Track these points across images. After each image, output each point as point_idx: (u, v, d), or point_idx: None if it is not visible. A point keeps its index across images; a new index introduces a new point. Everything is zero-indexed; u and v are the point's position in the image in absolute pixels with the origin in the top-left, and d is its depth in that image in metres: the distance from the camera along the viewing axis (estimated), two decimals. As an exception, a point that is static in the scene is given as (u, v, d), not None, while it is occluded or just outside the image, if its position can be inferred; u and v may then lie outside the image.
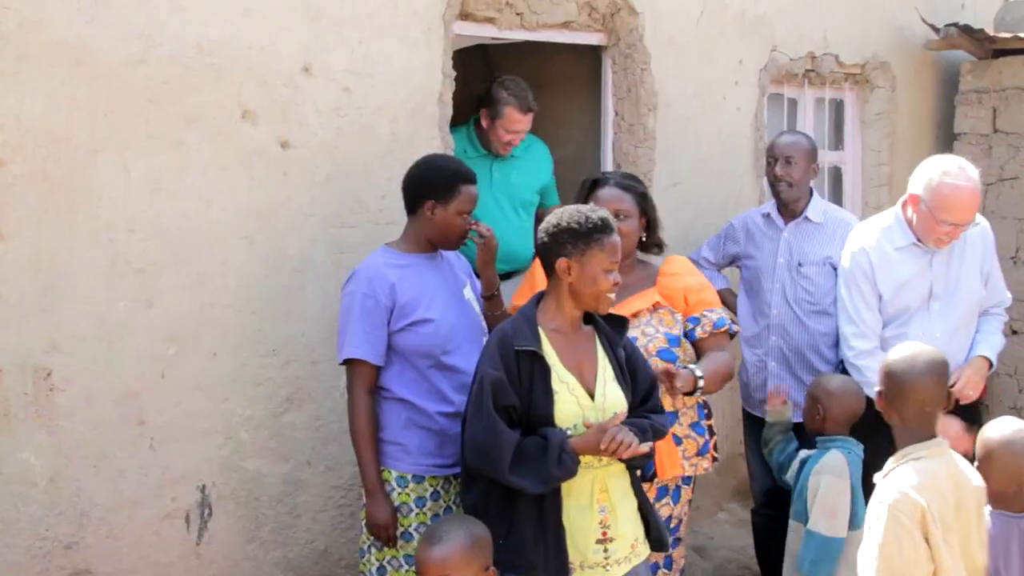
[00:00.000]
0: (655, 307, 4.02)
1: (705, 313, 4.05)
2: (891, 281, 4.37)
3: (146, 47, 3.74)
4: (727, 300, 5.34)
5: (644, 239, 4.13)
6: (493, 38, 5.15)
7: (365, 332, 3.69)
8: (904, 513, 2.91)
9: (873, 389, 4.16)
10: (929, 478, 2.98)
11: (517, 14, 4.93)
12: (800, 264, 4.95)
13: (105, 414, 3.76)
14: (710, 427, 4.15)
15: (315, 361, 4.26)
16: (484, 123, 5.10)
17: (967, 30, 6.87)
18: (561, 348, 3.38)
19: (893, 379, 3.12)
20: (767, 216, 5.09)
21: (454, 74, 4.64)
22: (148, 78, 3.76)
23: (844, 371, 4.69)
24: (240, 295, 4.05)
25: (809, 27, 6.34)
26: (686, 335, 4.03)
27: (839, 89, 6.79)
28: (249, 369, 4.09)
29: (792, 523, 4.20)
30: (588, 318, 3.45)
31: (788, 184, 4.96)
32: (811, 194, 5.05)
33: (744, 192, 5.98)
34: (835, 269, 4.89)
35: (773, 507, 4.93)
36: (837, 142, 6.94)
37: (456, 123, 4.93)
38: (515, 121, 5.05)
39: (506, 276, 4.74)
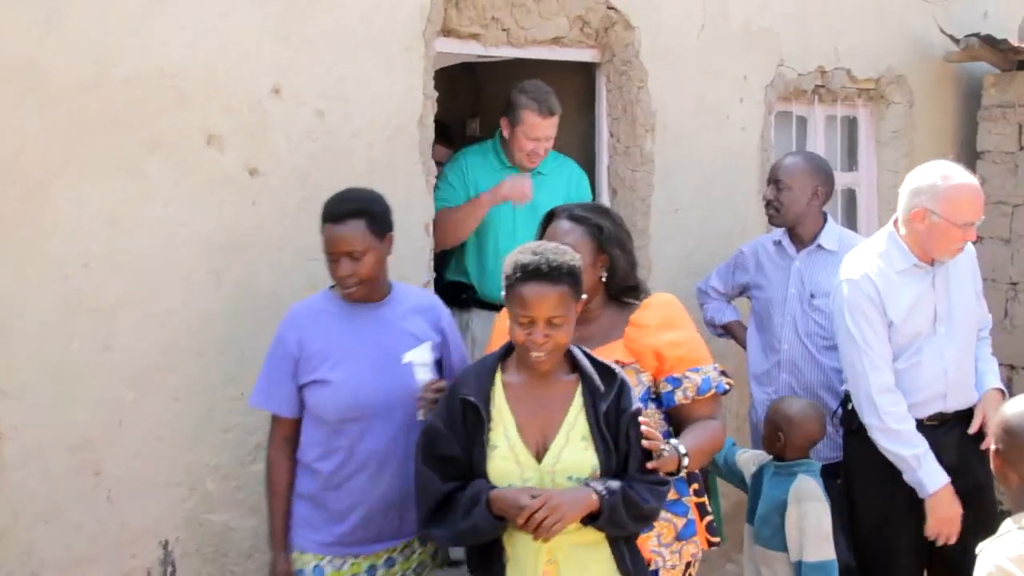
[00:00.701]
0: (617, 365, 3.47)
1: (688, 374, 3.59)
2: (900, 306, 4.35)
3: (103, 69, 3.75)
4: (737, 333, 5.37)
5: (605, 281, 3.68)
6: (480, 56, 5.18)
7: (267, 379, 3.72)
8: None
9: (886, 435, 4.20)
10: None
11: (503, 30, 4.96)
12: (812, 296, 4.96)
13: (58, 465, 3.74)
14: (700, 504, 3.74)
15: (286, 405, 4.25)
16: (505, 133, 5.14)
17: (990, 40, 6.90)
18: (517, 400, 3.25)
19: (1014, 437, 2.94)
20: (778, 243, 5.11)
21: (436, 95, 4.66)
22: (105, 102, 3.77)
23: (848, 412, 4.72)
24: (205, 335, 4.05)
25: (818, 40, 6.38)
26: (660, 400, 3.62)
27: (852, 106, 6.83)
28: (216, 415, 4.08)
29: (758, 547, 4.30)
30: (576, 365, 3.32)
31: (776, 210, 4.98)
32: (825, 219, 5.06)
33: (750, 218, 6.00)
34: None
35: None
36: (851, 163, 6.97)
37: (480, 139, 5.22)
38: (535, 126, 5.05)
39: None
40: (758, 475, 4.39)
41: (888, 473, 4.30)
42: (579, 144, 5.79)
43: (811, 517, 4.12)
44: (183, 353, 4.00)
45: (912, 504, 4.27)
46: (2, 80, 3.57)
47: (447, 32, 4.77)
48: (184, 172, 3.96)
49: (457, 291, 5.24)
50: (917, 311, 4.36)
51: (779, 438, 4.29)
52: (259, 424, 4.18)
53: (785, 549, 4.18)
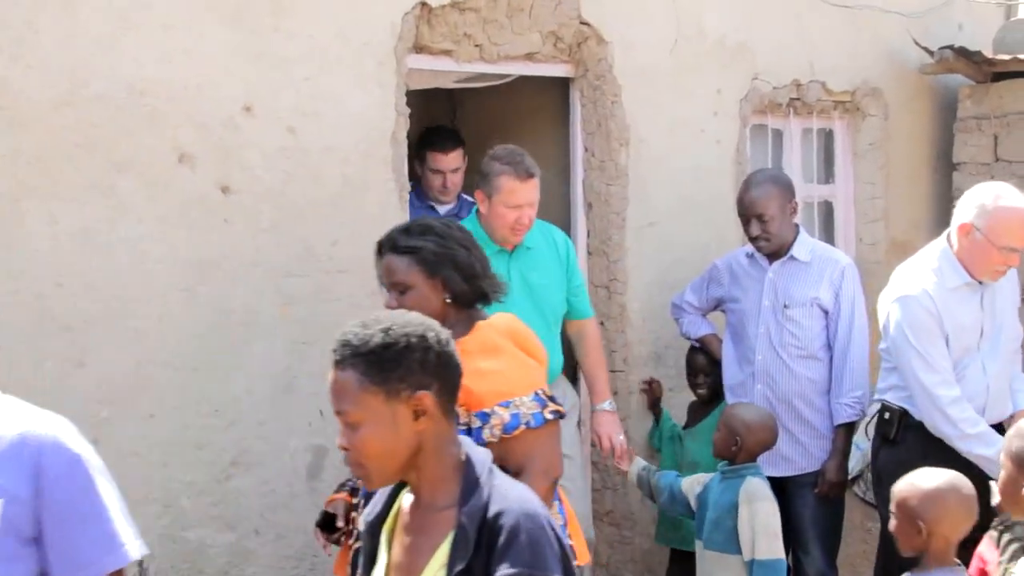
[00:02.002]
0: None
1: (497, 409, 3.24)
2: (954, 323, 4.37)
3: (73, 87, 3.80)
4: (712, 347, 5.41)
5: (450, 300, 3.45)
6: (463, 80, 5.20)
7: None
8: None
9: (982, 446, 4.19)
10: None
11: (476, 45, 5.00)
12: (786, 306, 5.00)
13: (33, 483, 3.76)
14: None
15: (262, 422, 4.29)
16: (483, 209, 4.55)
17: (964, 53, 6.94)
18: (400, 531, 2.51)
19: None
20: (751, 256, 5.15)
21: (408, 111, 4.71)
22: (76, 121, 3.82)
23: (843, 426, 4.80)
24: (179, 352, 4.09)
25: (793, 53, 6.42)
26: (471, 435, 3.15)
27: (828, 119, 6.87)
28: (190, 432, 4.12)
29: (710, 553, 4.39)
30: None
31: (766, 240, 5.01)
32: (797, 231, 5.10)
33: (727, 230, 6.02)
34: (824, 311, 4.95)
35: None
36: (827, 175, 7.00)
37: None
38: (514, 192, 4.48)
39: None
40: (703, 492, 4.50)
41: None
42: (554, 159, 5.83)
43: (761, 516, 4.22)
44: (157, 370, 4.04)
45: None
46: (-28, 100, 3.62)
47: (420, 49, 4.82)
48: (156, 191, 4.01)
49: None
50: (967, 328, 4.40)
51: (735, 443, 4.39)
52: (233, 441, 4.23)
53: (739, 551, 4.26)
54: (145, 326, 4.01)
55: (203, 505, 4.17)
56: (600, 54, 5.45)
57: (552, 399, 3.35)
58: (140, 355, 4.00)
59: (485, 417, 3.24)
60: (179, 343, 4.09)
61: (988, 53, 7.08)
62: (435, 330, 2.43)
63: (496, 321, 3.48)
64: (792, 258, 5.02)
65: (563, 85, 5.65)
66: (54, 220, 3.79)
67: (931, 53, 7.03)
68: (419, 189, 5.46)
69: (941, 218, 7.35)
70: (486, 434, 3.22)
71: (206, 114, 4.11)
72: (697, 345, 5.47)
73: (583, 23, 5.35)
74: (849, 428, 4.95)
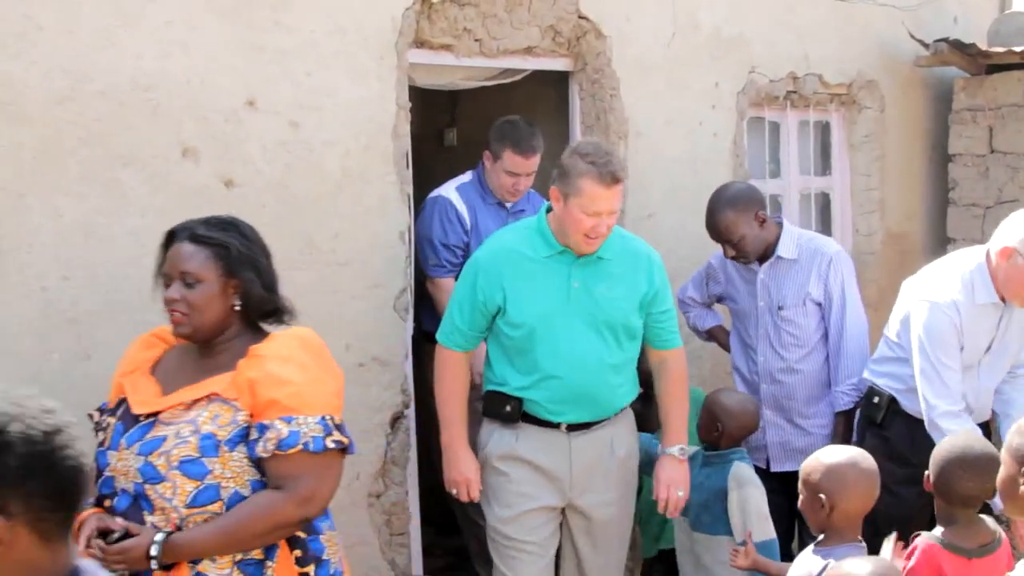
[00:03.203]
0: (212, 397, 3.04)
1: (277, 423, 2.97)
2: (971, 338, 4.36)
3: (75, 83, 3.79)
4: (719, 338, 5.43)
5: (240, 307, 3.16)
6: (470, 78, 5.20)
7: None
8: None
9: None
10: None
11: (476, 40, 5.00)
12: (780, 307, 4.99)
13: (39, 474, 3.76)
14: None
15: (265, 413, 4.28)
16: (556, 209, 4.12)
17: (958, 45, 6.95)
18: None
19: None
20: (742, 256, 5.14)
21: (409, 105, 4.70)
22: (79, 116, 3.81)
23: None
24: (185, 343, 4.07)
25: (789, 46, 6.42)
26: (248, 446, 3.02)
27: (824, 111, 6.88)
28: (194, 423, 4.11)
29: (699, 534, 4.41)
30: None
31: (744, 257, 4.98)
32: (780, 226, 5.05)
33: (725, 222, 6.04)
34: (818, 304, 4.94)
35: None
36: (824, 167, 7.01)
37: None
38: (595, 197, 4.01)
39: (583, 426, 4.23)
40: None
41: (903, 473, 4.40)
42: (554, 151, 5.81)
43: (752, 501, 4.23)
44: (161, 362, 4.03)
45: (923, 504, 4.32)
46: (-23, 96, 3.62)
47: (420, 43, 4.81)
48: (159, 184, 4.00)
49: (498, 402, 4.25)
50: (978, 344, 4.40)
51: (717, 428, 4.41)
52: (238, 432, 4.22)
53: (727, 533, 4.27)
54: (150, 318, 3.97)
55: (208, 495, 4.16)
56: (598, 48, 5.45)
57: (340, 428, 3.08)
58: (144, 347, 3.99)
59: (263, 429, 2.97)
60: (183, 335, 4.08)
61: (982, 45, 7.09)
62: (23, 419, 1.85)
63: (302, 332, 3.18)
64: (779, 258, 4.99)
65: (562, 79, 5.64)
66: (58, 214, 3.78)
67: (926, 46, 7.04)
68: (479, 177, 5.39)
69: (937, 209, 7.39)
70: (259, 448, 2.96)
71: (208, 108, 4.10)
72: (706, 338, 5.48)
73: (581, 17, 5.35)
74: (848, 415, 4.94)
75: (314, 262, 4.40)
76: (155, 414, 3.08)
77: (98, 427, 3.21)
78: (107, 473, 3.08)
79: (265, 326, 3.24)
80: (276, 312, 3.24)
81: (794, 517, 4.72)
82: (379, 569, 4.64)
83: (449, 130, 6.87)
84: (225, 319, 3.14)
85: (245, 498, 2.99)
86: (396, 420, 4.69)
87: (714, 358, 5.81)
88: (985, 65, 7.08)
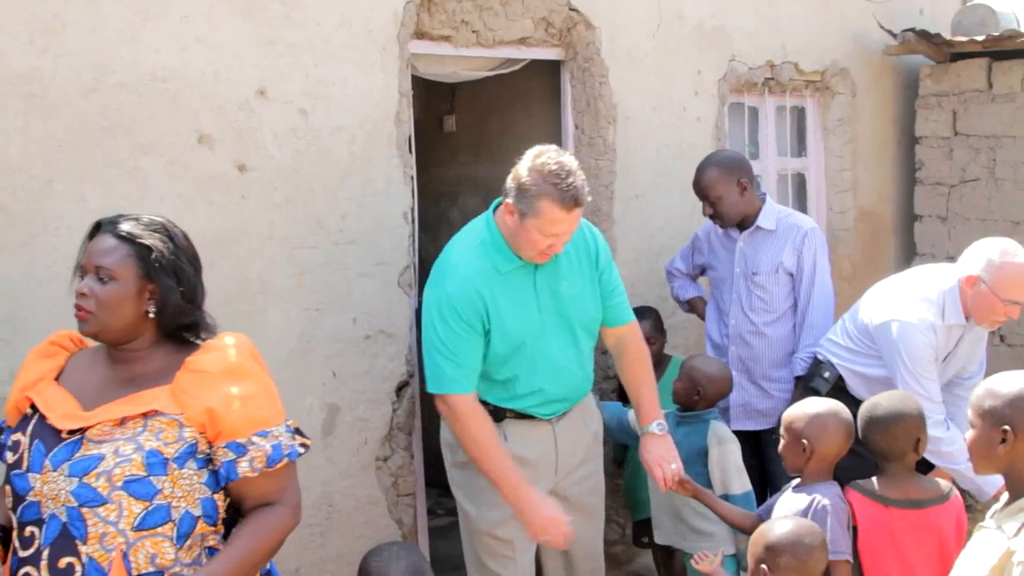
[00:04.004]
0: (150, 414, 2.68)
1: (255, 439, 2.70)
2: (939, 353, 4.38)
3: (99, 76, 3.78)
4: (698, 308, 5.46)
5: (155, 314, 2.75)
6: (471, 69, 5.14)
7: None
8: None
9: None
10: None
11: (473, 31, 4.98)
12: (754, 273, 5.02)
13: (68, 443, 3.76)
14: None
15: (279, 383, 4.15)
16: (509, 223, 3.71)
17: (924, 35, 6.97)
18: None
19: (1020, 408, 2.77)
20: (725, 227, 5.16)
21: (411, 93, 4.69)
22: (102, 107, 3.79)
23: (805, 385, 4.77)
24: (202, 320, 4.07)
25: (767, 36, 6.41)
26: (217, 471, 2.72)
27: (800, 96, 6.87)
28: (213, 393, 4.11)
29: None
30: None
31: (719, 219, 5.01)
32: (763, 200, 5.09)
33: (707, 202, 6.04)
34: (790, 275, 4.96)
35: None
36: (800, 149, 7.01)
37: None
38: (554, 222, 3.62)
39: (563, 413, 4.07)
40: None
41: None
42: (546, 136, 5.81)
43: (731, 456, 4.28)
44: (181, 337, 4.02)
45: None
46: (8, 89, 3.60)
47: (420, 35, 4.79)
48: (177, 170, 3.99)
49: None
50: (939, 359, 4.40)
51: (698, 392, 4.41)
52: (254, 401, 4.22)
53: (707, 488, 4.24)
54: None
55: (226, 461, 4.16)
56: (588, 38, 5.43)
57: (299, 431, 2.85)
58: (165, 323, 3.98)
59: (240, 449, 2.68)
60: (201, 312, 4.07)
61: (947, 35, 7.11)
62: None
63: (238, 340, 2.85)
64: (759, 228, 5.03)
65: (554, 68, 5.62)
66: (83, 199, 3.77)
67: (894, 35, 7.05)
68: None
69: (905, 188, 7.40)
70: (243, 468, 2.67)
71: (223, 98, 4.08)
72: (687, 307, 5.49)
73: (572, 9, 5.33)
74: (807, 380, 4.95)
75: (323, 241, 4.39)
76: (80, 431, 2.68)
77: (3, 448, 2.79)
78: (30, 498, 2.66)
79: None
80: (193, 327, 2.84)
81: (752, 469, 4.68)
82: (387, 528, 4.66)
83: (448, 117, 6.85)
84: (136, 325, 2.75)
85: (197, 518, 2.69)
86: (401, 388, 4.69)
87: (698, 329, 5.81)
88: (949, 53, 7.09)
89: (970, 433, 2.85)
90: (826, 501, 3.48)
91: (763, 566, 3.14)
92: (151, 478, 2.62)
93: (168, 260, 2.77)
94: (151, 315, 2.75)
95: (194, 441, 2.69)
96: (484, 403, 3.85)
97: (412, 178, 4.73)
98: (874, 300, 4.56)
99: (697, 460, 4.31)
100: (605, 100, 5.50)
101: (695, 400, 4.43)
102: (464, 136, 6.78)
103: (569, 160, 3.66)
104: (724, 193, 4.93)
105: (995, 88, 6.93)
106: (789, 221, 5.05)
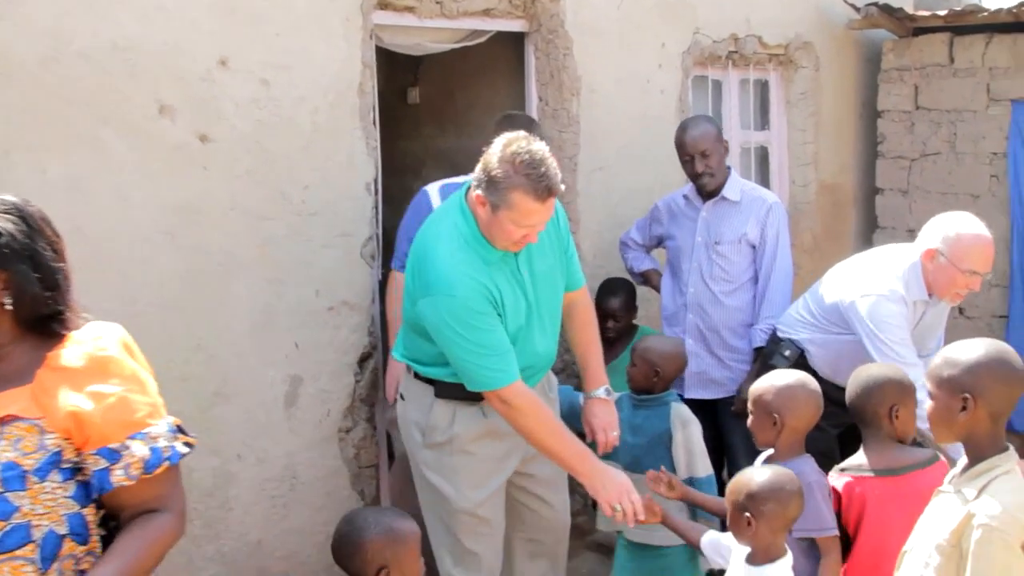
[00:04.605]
0: (7, 420, 2.35)
1: (129, 442, 2.37)
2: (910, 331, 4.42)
3: (58, 45, 3.74)
4: (652, 280, 5.47)
5: (11, 305, 2.39)
6: (436, 41, 5.11)
7: None
8: (1013, 537, 2.62)
9: None
10: (1023, 496, 2.70)
11: (437, 2, 4.96)
12: (716, 243, 5.06)
13: (28, 414, 3.74)
14: None
15: (242, 355, 4.28)
16: (482, 214, 3.56)
17: (887, 9, 7.00)
18: None
19: (981, 375, 2.77)
20: (687, 197, 5.20)
21: (375, 64, 4.67)
22: (62, 77, 3.76)
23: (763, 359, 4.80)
24: (163, 292, 4.06)
25: (731, 9, 6.42)
26: (88, 482, 2.39)
27: (763, 70, 6.88)
28: (175, 366, 4.09)
29: (639, 476, 4.07)
30: None
31: (711, 175, 5.03)
32: (728, 173, 5.12)
33: (670, 175, 6.03)
34: (752, 246, 5.01)
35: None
36: (763, 122, 7.03)
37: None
38: (528, 213, 3.49)
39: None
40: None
41: None
42: (510, 108, 5.82)
43: (695, 438, 4.21)
44: (143, 309, 4.01)
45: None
46: (-36, 57, 3.56)
47: (384, 5, 4.76)
48: (138, 141, 3.96)
49: (455, 386, 3.77)
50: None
51: (656, 374, 4.27)
52: (216, 373, 4.22)
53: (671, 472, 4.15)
54: (130, 268, 3.98)
55: (189, 433, 4.14)
56: (552, 10, 5.41)
57: (180, 428, 2.51)
58: (126, 296, 3.96)
59: (113, 456, 2.36)
60: (163, 284, 4.06)
61: (909, 10, 7.16)
62: None
63: (107, 329, 2.50)
64: (723, 198, 5.07)
65: (518, 40, 5.61)
66: (43, 170, 3.74)
67: (857, 9, 7.09)
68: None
69: (867, 161, 7.44)
70: (118, 476, 2.36)
71: (183, 68, 4.05)
72: (640, 279, 5.50)
73: (536, -20, 5.32)
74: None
75: (285, 212, 4.38)
76: None
77: None
78: None
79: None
80: (58, 318, 2.45)
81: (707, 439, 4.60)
82: (350, 499, 4.67)
83: (412, 89, 6.83)
84: None
85: (63, 536, 2.36)
86: (364, 360, 4.69)
87: (653, 302, 5.81)
88: (912, 28, 7.12)
89: (929, 404, 2.86)
90: (811, 479, 3.43)
91: (746, 514, 3.15)
92: (7, 494, 2.29)
93: (21, 244, 2.40)
94: (6, 307, 2.40)
95: (58, 449, 2.36)
96: (463, 387, 3.70)
97: (375, 149, 4.72)
98: (840, 279, 4.60)
99: (659, 444, 4.24)
100: (569, 72, 5.50)
101: (653, 382, 4.31)
102: (428, 108, 6.76)
103: (540, 148, 3.50)
104: (714, 150, 5.00)
105: (956, 63, 6.98)
106: (753, 194, 5.11)
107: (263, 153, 4.29)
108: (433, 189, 4.63)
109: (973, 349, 2.80)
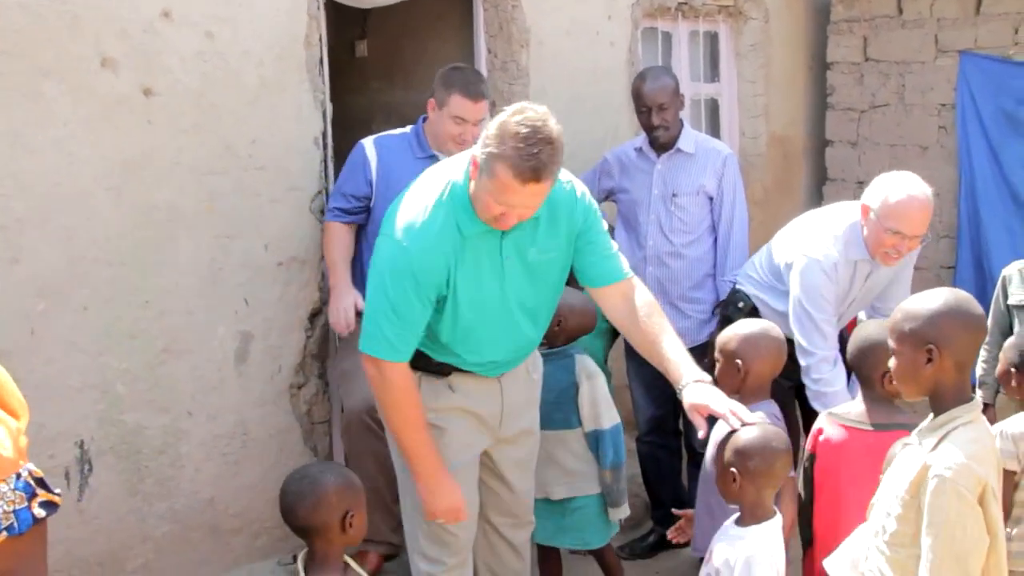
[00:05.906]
0: None
1: None
2: (841, 293, 4.43)
3: (-5, -4, 3.68)
4: (605, 234, 5.48)
5: None
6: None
7: None
8: (966, 487, 2.60)
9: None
10: (981, 447, 2.69)
11: (384, -46, 4.93)
12: (675, 195, 5.07)
13: (-27, 373, 3.71)
14: None
15: (190, 311, 4.26)
16: (472, 174, 3.29)
17: (836, -40, 7.03)
18: None
19: (944, 325, 2.74)
20: (639, 150, 5.19)
21: (321, 15, 4.63)
22: (1, 28, 3.69)
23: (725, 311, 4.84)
24: (109, 248, 4.03)
25: (680, -40, 6.42)
26: None
27: (713, 22, 6.90)
28: (123, 322, 4.08)
29: (549, 432, 4.09)
30: None
31: (665, 129, 5.04)
32: (682, 125, 5.14)
33: (621, 128, 6.07)
34: (709, 198, 5.04)
35: (657, 434, 5.23)
36: (713, 75, 7.06)
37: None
38: (508, 190, 3.17)
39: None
40: None
41: None
42: (459, 60, 5.79)
43: (601, 389, 4.16)
44: (89, 265, 3.97)
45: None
46: (-103, 8, 3.49)
47: (330, -44, 4.73)
48: (81, 94, 3.91)
49: (422, 358, 3.58)
50: (842, 297, 4.44)
51: (558, 324, 4.08)
52: (163, 330, 4.20)
53: (576, 426, 4.17)
54: (75, 223, 3.94)
55: (138, 390, 4.14)
56: (501, -39, 5.39)
57: (42, 483, 2.05)
58: (72, 251, 3.92)
59: None
60: (108, 239, 4.02)
61: (858, -40, 7.15)
62: None
63: None
64: (679, 150, 5.08)
65: (466, -9, 5.59)
66: (-17, 124, 3.69)
67: (807, -40, 7.09)
68: (417, 130, 4.62)
69: (816, 113, 7.49)
70: None
71: (126, 20, 3.99)
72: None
73: (484, -69, 5.29)
74: None
75: (232, 167, 4.34)
76: None
77: None
78: None
79: None
80: None
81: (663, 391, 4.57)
82: (302, 455, 4.67)
83: (360, 42, 6.78)
84: None
85: None
86: (314, 316, 4.68)
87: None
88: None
89: (893, 361, 2.84)
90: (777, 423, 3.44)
91: (732, 470, 3.17)
92: None
93: None
94: None
95: None
96: (429, 360, 3.56)
97: (323, 103, 4.69)
98: (787, 237, 4.65)
99: (567, 398, 4.16)
100: (518, 24, 5.48)
101: (555, 332, 4.11)
102: (376, 62, 6.72)
103: (547, 128, 3.19)
104: (670, 103, 5.00)
105: (905, 14, 7.04)
106: (707, 145, 5.15)
107: (209, 107, 4.25)
108: (368, 142, 4.62)
109: (932, 300, 2.77)
